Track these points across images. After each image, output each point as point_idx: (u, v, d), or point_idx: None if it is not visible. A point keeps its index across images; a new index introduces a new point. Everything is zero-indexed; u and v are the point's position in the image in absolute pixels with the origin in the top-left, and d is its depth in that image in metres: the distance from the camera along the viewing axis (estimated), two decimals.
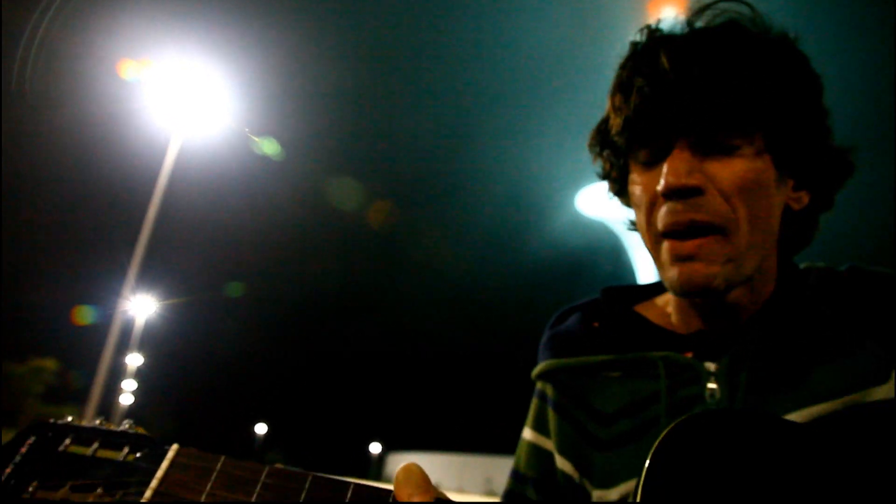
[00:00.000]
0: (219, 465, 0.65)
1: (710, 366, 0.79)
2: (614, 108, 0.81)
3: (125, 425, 0.75)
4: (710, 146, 0.75)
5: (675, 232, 0.76)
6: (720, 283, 0.75)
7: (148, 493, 0.65)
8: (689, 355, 0.82)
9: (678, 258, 0.75)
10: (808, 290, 0.81)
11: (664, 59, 0.75)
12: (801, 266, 0.87)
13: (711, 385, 0.78)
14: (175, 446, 0.69)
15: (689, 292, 0.76)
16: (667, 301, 0.89)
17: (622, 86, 0.80)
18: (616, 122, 0.80)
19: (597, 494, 0.83)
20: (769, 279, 0.83)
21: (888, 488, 0.60)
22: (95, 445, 0.73)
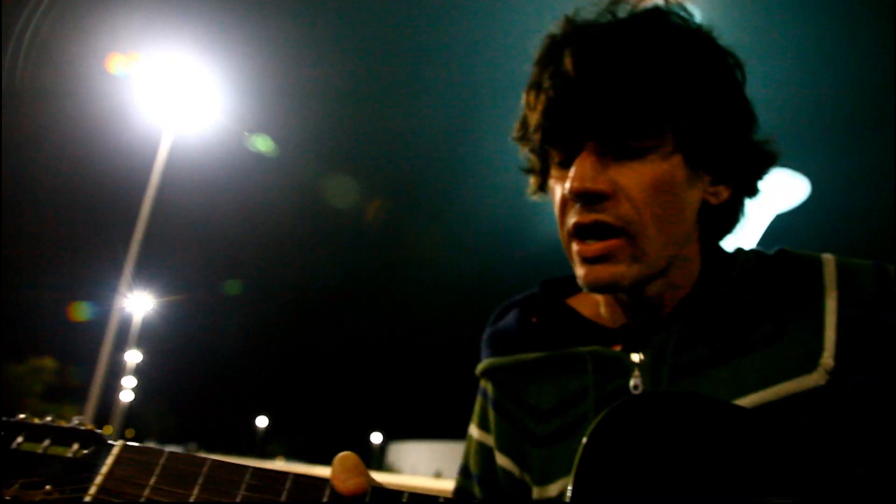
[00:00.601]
0: (162, 460, 0.65)
1: (636, 357, 0.79)
2: (528, 106, 0.80)
3: (75, 421, 0.75)
4: (617, 149, 0.73)
5: (582, 232, 0.75)
6: (626, 282, 0.74)
7: (93, 490, 0.65)
8: (618, 348, 0.82)
9: (586, 259, 0.75)
10: (732, 277, 0.80)
11: (568, 60, 0.74)
12: (733, 251, 0.86)
13: (636, 377, 0.78)
14: (120, 442, 0.69)
15: (595, 290, 0.76)
16: (601, 296, 0.88)
17: (534, 84, 0.79)
18: (531, 121, 0.79)
19: (536, 491, 0.84)
20: (691, 269, 0.82)
21: (816, 472, 0.60)
22: (47, 442, 0.73)
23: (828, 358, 0.71)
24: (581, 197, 0.73)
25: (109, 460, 0.67)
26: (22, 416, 0.78)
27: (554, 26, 0.80)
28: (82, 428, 0.73)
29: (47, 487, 0.68)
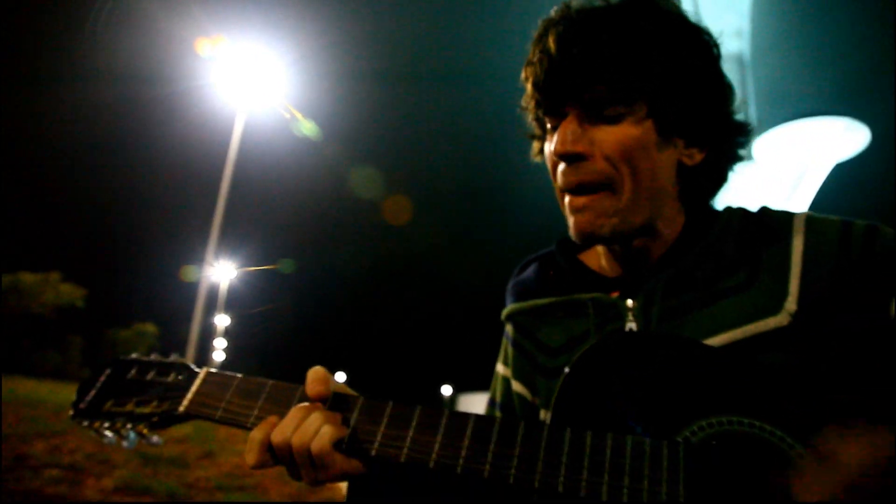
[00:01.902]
0: (235, 382, 0.83)
1: (630, 303, 0.87)
2: (525, 80, 0.89)
3: (173, 357, 0.94)
4: (595, 116, 0.82)
5: (569, 188, 0.85)
6: (607, 231, 0.83)
7: (185, 403, 0.84)
8: (616, 295, 0.90)
9: (573, 210, 0.85)
10: (714, 231, 0.87)
11: (551, 40, 0.82)
12: (722, 209, 0.92)
13: (630, 320, 0.86)
14: (205, 369, 0.88)
15: (583, 238, 0.85)
16: (602, 249, 0.97)
17: (528, 61, 0.88)
18: (527, 93, 0.89)
19: (542, 413, 0.96)
20: (675, 225, 0.90)
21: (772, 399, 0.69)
22: (153, 373, 0.93)
23: (791, 302, 0.78)
24: (563, 157, 0.83)
25: (197, 382, 0.86)
26: (134, 354, 0.98)
27: (553, 11, 0.88)
28: (177, 362, 0.93)
29: (154, 403, 0.88)
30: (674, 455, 0.66)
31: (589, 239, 0.85)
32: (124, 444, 0.88)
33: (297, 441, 0.74)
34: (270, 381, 0.83)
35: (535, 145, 0.96)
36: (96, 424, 0.89)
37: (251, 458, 0.76)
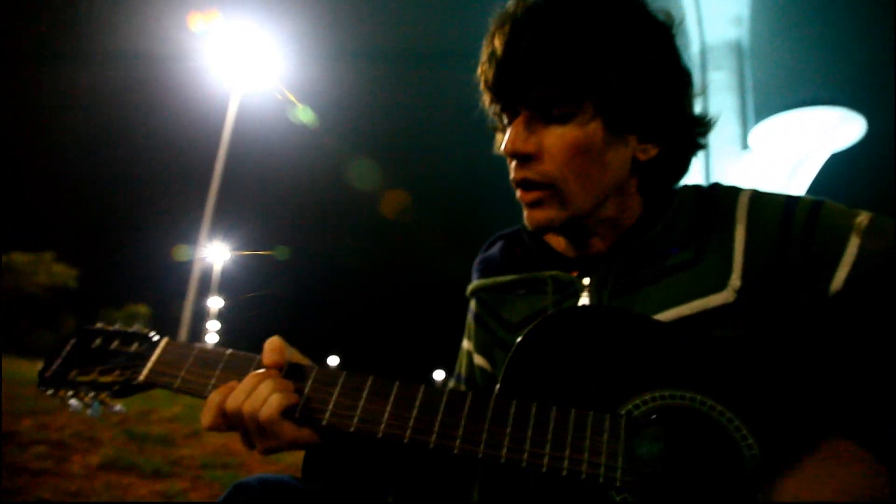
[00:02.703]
0: (194, 352, 0.85)
1: (586, 281, 0.89)
2: (479, 78, 0.89)
3: (136, 327, 0.96)
4: (543, 116, 0.82)
5: (519, 184, 0.86)
6: (556, 224, 0.85)
7: (145, 372, 0.86)
8: (575, 274, 0.93)
9: (525, 204, 0.87)
10: (668, 213, 0.88)
11: (497, 41, 0.82)
12: (679, 189, 0.93)
13: (585, 297, 0.89)
14: (165, 339, 0.89)
15: (535, 229, 0.87)
16: None
17: (481, 60, 0.87)
18: (482, 90, 0.89)
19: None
20: (631, 211, 0.91)
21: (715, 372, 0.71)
22: (117, 342, 0.94)
23: (735, 279, 0.80)
24: (512, 156, 0.85)
25: (157, 352, 0.87)
26: (99, 324, 1.00)
27: (509, 4, 0.86)
28: (139, 332, 0.94)
29: (116, 372, 0.89)
30: (615, 428, 0.68)
31: (541, 231, 0.87)
32: (88, 412, 0.89)
33: (247, 408, 0.76)
34: (229, 351, 0.84)
35: (498, 137, 0.96)
36: (61, 393, 0.90)
37: (206, 419, 0.77)
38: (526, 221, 0.88)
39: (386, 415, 0.73)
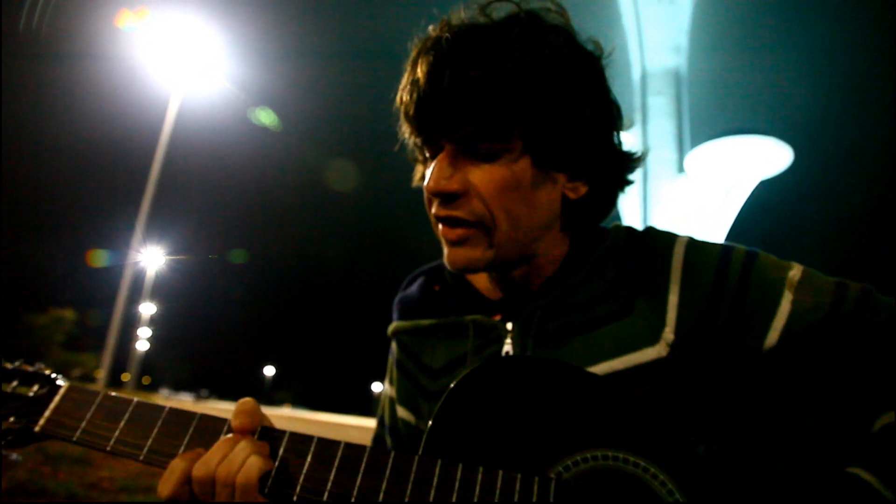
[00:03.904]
0: (98, 399, 0.78)
1: (509, 326, 0.86)
2: (398, 107, 0.83)
3: (38, 366, 0.88)
4: (469, 152, 0.77)
5: (442, 221, 0.81)
6: (481, 264, 0.81)
7: (41, 422, 0.78)
8: (498, 318, 0.88)
9: (447, 242, 0.82)
10: (594, 258, 0.85)
11: (420, 70, 0.76)
12: (610, 229, 0.90)
13: (507, 344, 0.85)
14: (67, 383, 0.81)
15: (456, 269, 0.83)
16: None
17: (401, 86, 0.81)
18: (401, 119, 0.83)
19: None
20: (557, 252, 0.87)
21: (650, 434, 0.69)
22: (15, 383, 0.86)
23: (669, 332, 0.78)
24: (436, 195, 0.79)
25: (56, 399, 0.79)
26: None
27: (432, 28, 0.81)
28: (41, 372, 0.86)
29: (11, 419, 0.81)
30: (544, 493, 0.65)
31: (463, 271, 0.83)
32: None
33: (221, 473, 0.67)
34: (136, 400, 0.77)
35: (418, 169, 0.92)
36: None
37: (166, 488, 0.68)
38: (446, 260, 0.83)
39: (329, 481, 0.68)
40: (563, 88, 0.78)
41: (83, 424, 0.76)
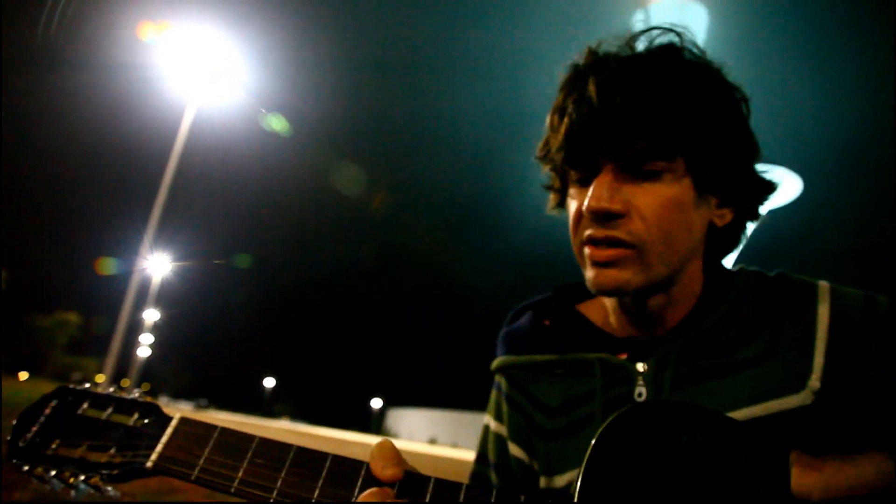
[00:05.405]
0: (216, 434, 0.71)
1: (641, 366, 0.83)
2: (552, 128, 0.83)
3: (136, 393, 0.81)
4: (633, 171, 0.76)
5: (594, 242, 0.78)
6: (630, 288, 0.78)
7: (154, 457, 0.71)
8: (624, 356, 0.85)
9: (595, 263, 0.78)
10: (732, 297, 0.83)
11: (591, 87, 0.76)
12: (736, 270, 0.88)
13: (640, 385, 0.82)
14: (178, 415, 0.75)
15: (602, 292, 0.80)
16: (610, 305, 0.90)
17: (558, 108, 0.82)
18: (553, 142, 0.81)
19: (543, 480, 0.88)
20: (693, 287, 0.85)
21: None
22: (109, 410, 0.79)
23: (815, 380, 0.74)
24: (597, 215, 0.76)
25: (168, 431, 0.72)
26: (87, 384, 0.84)
27: (577, 57, 0.83)
28: (142, 400, 0.79)
29: (112, 451, 0.74)
30: None
31: (609, 294, 0.80)
32: (72, 493, 0.74)
33: None
34: (258, 437, 0.70)
35: (553, 197, 0.90)
36: (38, 470, 0.74)
37: None
38: (592, 283, 0.79)
39: None
40: (722, 113, 0.79)
41: (201, 462, 0.69)
